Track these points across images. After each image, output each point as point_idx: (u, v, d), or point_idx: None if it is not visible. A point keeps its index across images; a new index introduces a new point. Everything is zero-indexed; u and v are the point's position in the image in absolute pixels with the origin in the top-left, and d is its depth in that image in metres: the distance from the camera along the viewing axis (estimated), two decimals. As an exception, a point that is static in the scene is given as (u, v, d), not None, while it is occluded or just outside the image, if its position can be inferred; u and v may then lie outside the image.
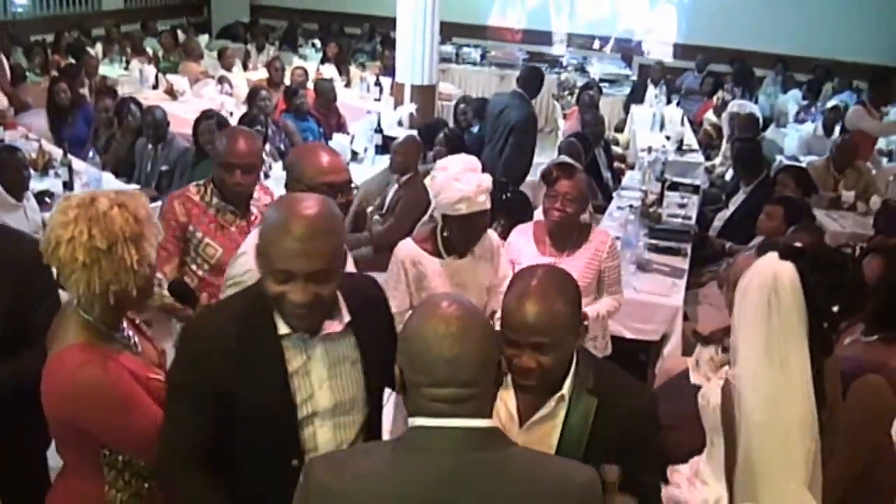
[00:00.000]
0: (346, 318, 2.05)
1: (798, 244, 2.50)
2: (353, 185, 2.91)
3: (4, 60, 8.67)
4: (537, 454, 1.64)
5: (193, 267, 3.38)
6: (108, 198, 2.06)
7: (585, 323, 3.58)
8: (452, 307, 1.62)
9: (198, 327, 2.17)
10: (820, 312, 2.13)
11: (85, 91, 8.38)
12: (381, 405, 2.25)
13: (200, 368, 1.98)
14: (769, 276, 2.14)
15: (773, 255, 2.20)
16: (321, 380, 2.05)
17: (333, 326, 2.03)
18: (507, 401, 2.05)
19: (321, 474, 1.61)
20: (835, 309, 2.15)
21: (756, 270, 2.20)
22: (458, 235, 3.32)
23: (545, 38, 13.57)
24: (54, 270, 2.10)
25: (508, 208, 5.21)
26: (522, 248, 3.73)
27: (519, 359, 1.91)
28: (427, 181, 6.09)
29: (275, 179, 6.28)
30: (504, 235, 3.92)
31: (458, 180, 3.18)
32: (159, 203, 5.57)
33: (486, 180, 3.23)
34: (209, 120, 5.85)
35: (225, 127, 5.93)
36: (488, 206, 3.24)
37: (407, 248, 3.38)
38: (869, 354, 2.81)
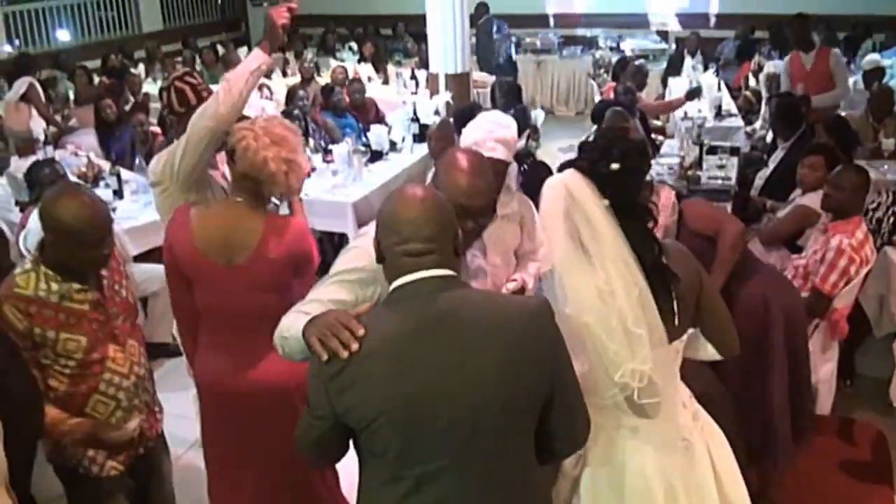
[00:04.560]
0: None
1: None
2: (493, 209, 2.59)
3: (40, 89, 8.92)
4: (491, 292, 2.19)
5: None
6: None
7: None
8: (416, 188, 2.02)
9: None
10: (601, 179, 2.27)
11: (129, 108, 8.64)
12: None
13: None
14: (557, 190, 2.31)
15: (552, 178, 2.37)
16: None
17: None
18: None
19: None
20: (614, 166, 2.26)
21: (547, 191, 2.35)
22: None
23: (579, 20, 13.56)
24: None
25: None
26: None
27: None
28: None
29: (318, 174, 6.44)
30: None
31: (477, 128, 3.20)
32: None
33: (502, 132, 3.18)
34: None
35: None
36: (501, 156, 3.16)
37: None
38: None
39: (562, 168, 2.39)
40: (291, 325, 2.18)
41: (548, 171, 5.69)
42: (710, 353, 2.52)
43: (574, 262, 2.29)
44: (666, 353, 2.35)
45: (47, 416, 2.58)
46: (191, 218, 2.95)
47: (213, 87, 9.11)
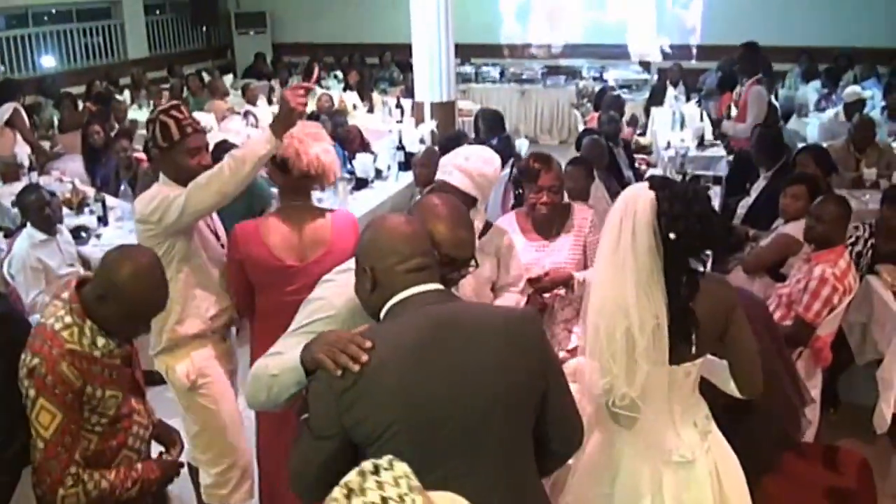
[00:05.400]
0: None
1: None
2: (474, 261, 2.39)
3: (24, 114, 8.85)
4: (480, 303, 2.48)
5: None
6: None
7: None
8: (392, 215, 2.16)
9: None
10: (663, 238, 2.29)
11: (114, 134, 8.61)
12: None
13: None
14: (629, 198, 2.34)
15: (641, 184, 2.39)
16: None
17: None
18: None
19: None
20: (672, 236, 2.27)
21: (622, 196, 2.40)
22: None
23: (561, 51, 13.68)
24: None
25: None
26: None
27: None
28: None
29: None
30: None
31: (455, 156, 3.30)
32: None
33: (474, 167, 3.24)
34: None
35: None
36: (459, 184, 3.20)
37: None
38: None
39: (651, 183, 2.38)
40: (278, 363, 2.12)
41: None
42: (730, 388, 2.52)
43: (609, 270, 2.36)
44: (671, 373, 2.38)
45: (107, 480, 2.50)
46: (261, 232, 3.13)
47: (199, 115, 9.20)
